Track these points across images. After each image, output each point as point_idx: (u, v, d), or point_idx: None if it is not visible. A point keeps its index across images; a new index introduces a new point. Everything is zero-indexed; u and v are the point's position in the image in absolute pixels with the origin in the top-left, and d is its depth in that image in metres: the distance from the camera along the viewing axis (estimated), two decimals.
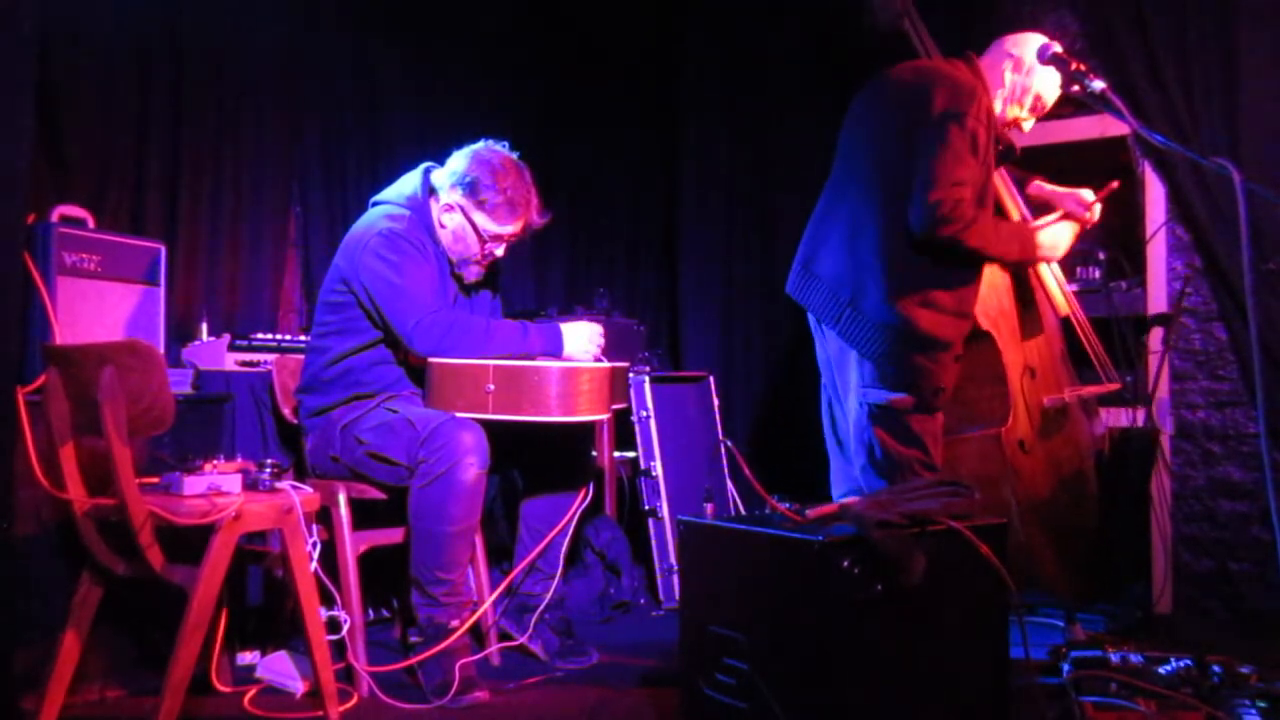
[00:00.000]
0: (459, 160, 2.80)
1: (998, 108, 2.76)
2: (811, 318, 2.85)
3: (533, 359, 2.63)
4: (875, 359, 2.64)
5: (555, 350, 2.71)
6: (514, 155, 2.85)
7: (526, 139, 4.43)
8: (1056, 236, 2.82)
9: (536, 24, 4.55)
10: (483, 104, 4.31)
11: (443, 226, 2.80)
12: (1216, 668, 2.49)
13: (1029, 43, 2.77)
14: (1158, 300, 3.57)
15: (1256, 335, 2.27)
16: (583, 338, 2.75)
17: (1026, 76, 2.76)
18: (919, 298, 2.59)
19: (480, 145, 2.83)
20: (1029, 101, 2.78)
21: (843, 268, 2.69)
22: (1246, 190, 2.07)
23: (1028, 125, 2.86)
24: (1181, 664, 2.51)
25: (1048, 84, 2.77)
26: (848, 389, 2.76)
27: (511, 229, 2.80)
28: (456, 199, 2.77)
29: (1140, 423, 3.43)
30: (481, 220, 2.76)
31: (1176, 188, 3.45)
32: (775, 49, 4.61)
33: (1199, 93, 3.39)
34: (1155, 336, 3.55)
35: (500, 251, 2.85)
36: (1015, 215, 3.00)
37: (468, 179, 2.75)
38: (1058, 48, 2.69)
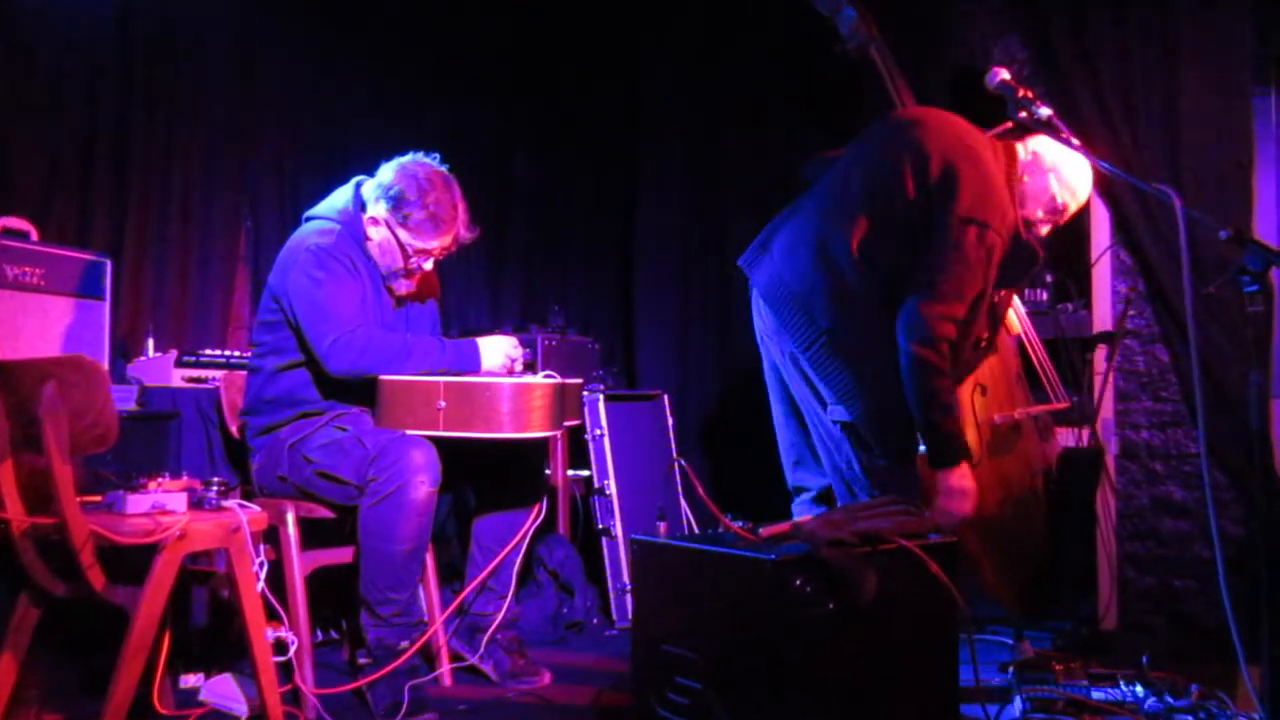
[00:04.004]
0: (385, 173, 2.77)
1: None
2: (763, 323, 2.85)
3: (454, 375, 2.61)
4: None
5: (473, 365, 2.69)
6: (443, 168, 2.80)
7: (485, 156, 4.47)
8: (962, 484, 2.56)
9: (498, 44, 4.56)
10: (441, 120, 4.30)
11: (369, 239, 2.77)
12: (1159, 683, 2.54)
13: (1048, 145, 2.67)
14: (1103, 321, 3.64)
15: (1197, 357, 2.33)
16: (499, 351, 2.74)
17: (1042, 177, 2.67)
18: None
19: (408, 158, 2.79)
20: (1045, 200, 2.68)
21: (836, 315, 2.63)
22: (1186, 215, 2.12)
23: (1045, 229, 2.74)
24: (1125, 680, 2.56)
25: (1072, 189, 2.68)
26: (805, 401, 2.78)
27: (436, 244, 2.76)
28: (380, 213, 2.73)
29: (1086, 442, 3.50)
30: (404, 236, 2.73)
31: (1120, 213, 3.53)
32: (734, 74, 4.65)
33: (1142, 120, 3.48)
34: (1100, 355, 3.62)
35: (428, 265, 2.82)
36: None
37: (392, 192, 2.71)
38: (1005, 75, 2.73)
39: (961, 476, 2.54)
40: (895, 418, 2.60)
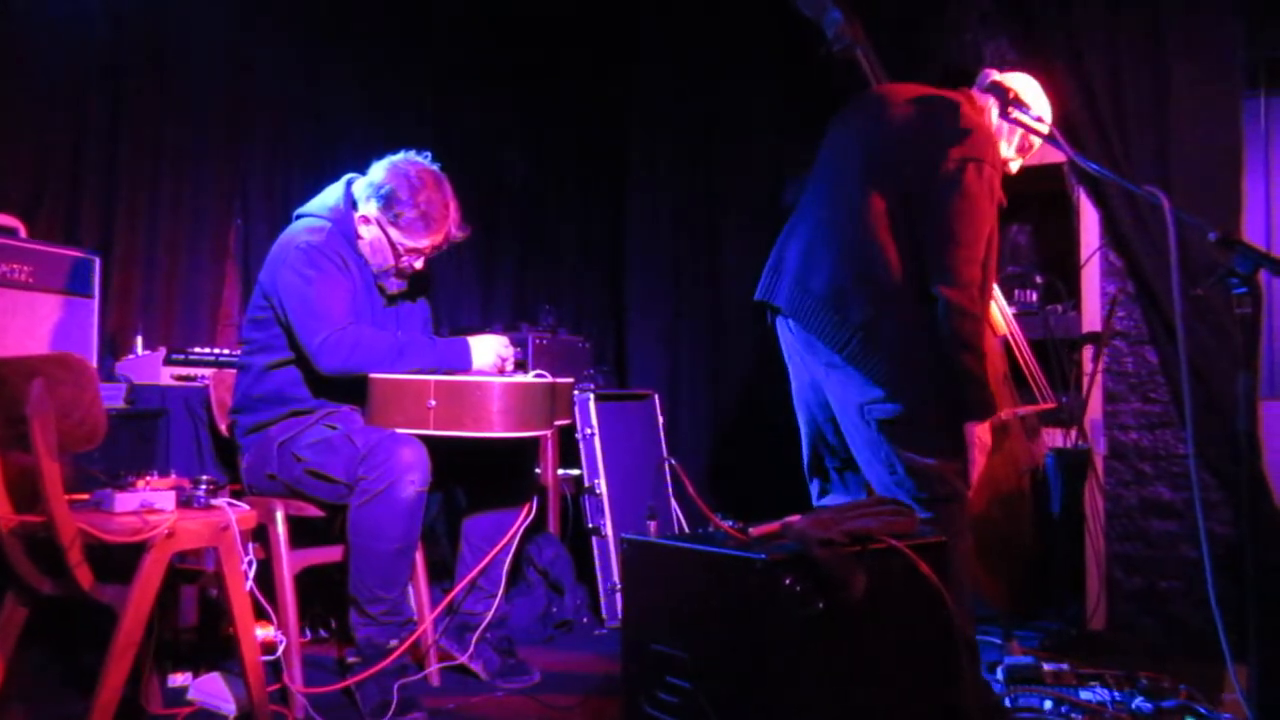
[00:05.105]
0: (377, 171, 2.76)
1: None
2: (792, 341, 2.72)
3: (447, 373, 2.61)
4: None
5: (464, 364, 2.69)
6: (434, 167, 2.80)
7: (477, 155, 4.46)
8: (982, 437, 2.54)
9: (489, 42, 4.55)
10: (432, 118, 4.29)
11: (360, 238, 2.77)
12: (1146, 684, 2.55)
13: (1015, 81, 2.70)
14: (1092, 323, 3.66)
15: (1185, 359, 2.34)
16: (490, 349, 2.74)
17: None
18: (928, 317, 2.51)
19: (399, 156, 2.78)
20: (1016, 141, 2.74)
21: (852, 291, 2.55)
22: (1175, 217, 2.13)
23: (1015, 165, 2.80)
24: (1113, 680, 2.57)
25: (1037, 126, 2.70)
26: (844, 409, 2.63)
27: (427, 243, 2.76)
28: (372, 212, 2.73)
29: (1074, 442, 3.51)
30: (396, 235, 2.73)
31: (1110, 214, 3.55)
32: (730, 74, 4.65)
33: (1131, 122, 3.49)
34: (1086, 355, 3.64)
35: (419, 264, 2.82)
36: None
37: (383, 191, 2.71)
38: (996, 75, 2.74)
39: (983, 430, 2.55)
40: (943, 406, 2.51)
